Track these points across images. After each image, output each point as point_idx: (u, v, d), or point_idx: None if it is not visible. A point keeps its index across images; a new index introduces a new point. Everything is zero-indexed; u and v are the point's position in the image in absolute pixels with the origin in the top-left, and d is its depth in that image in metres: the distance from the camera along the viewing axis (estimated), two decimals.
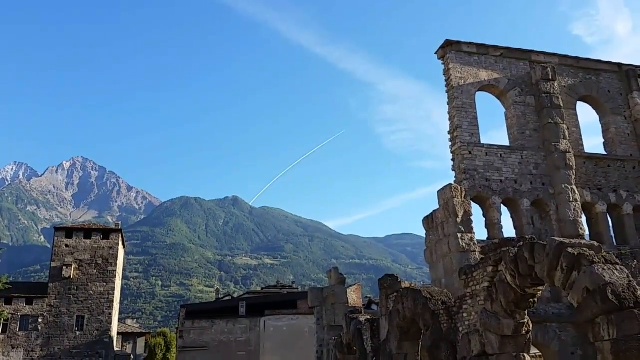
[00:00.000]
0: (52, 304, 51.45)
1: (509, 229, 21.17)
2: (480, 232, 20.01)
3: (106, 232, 56.14)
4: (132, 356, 61.91)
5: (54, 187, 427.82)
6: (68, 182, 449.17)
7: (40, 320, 50.77)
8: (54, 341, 50.50)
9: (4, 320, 49.40)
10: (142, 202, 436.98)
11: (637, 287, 8.52)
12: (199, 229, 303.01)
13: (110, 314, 52.75)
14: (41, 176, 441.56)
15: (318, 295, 25.48)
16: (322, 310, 25.01)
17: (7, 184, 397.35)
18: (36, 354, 49.94)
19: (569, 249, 9.25)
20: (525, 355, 11.31)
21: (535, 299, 11.22)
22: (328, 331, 23.93)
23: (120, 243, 56.39)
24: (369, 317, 20.75)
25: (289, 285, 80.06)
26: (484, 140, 21.55)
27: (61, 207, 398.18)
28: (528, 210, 21.03)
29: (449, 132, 21.72)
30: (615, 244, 21.40)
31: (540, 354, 19.46)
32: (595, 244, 9.75)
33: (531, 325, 11.57)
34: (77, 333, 51.19)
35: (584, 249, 9.31)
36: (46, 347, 50.24)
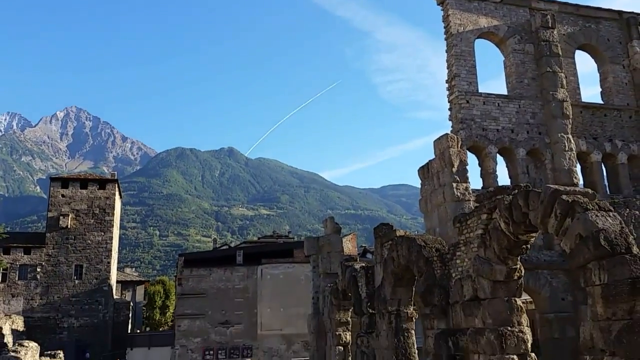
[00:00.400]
0: (50, 254, 51.98)
1: (504, 179, 21.30)
2: (475, 181, 20.08)
3: (102, 183, 56.19)
4: (131, 303, 63.07)
5: (48, 137, 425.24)
6: (62, 133, 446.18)
7: (38, 270, 51.41)
8: (53, 290, 51.31)
9: (2, 270, 50.04)
10: (137, 153, 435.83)
11: (629, 234, 8.62)
12: (195, 180, 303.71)
13: (109, 262, 53.39)
14: (35, 126, 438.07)
15: (314, 243, 25.76)
16: (318, 259, 25.35)
17: (0, 134, 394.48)
18: (36, 302, 50.80)
19: (564, 196, 9.30)
20: (517, 299, 11.55)
21: (528, 246, 11.37)
22: (324, 278, 24.32)
23: (117, 193, 56.51)
24: (363, 264, 21.07)
25: (285, 235, 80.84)
26: (481, 89, 21.36)
27: (56, 158, 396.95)
28: (523, 159, 21.06)
29: (447, 81, 21.48)
30: (608, 193, 21.56)
31: (530, 299, 19.92)
32: (590, 191, 9.81)
33: (523, 271, 11.77)
34: (76, 282, 51.95)
35: (578, 196, 9.37)
36: (45, 295, 51.07)
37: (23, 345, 27.63)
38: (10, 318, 38.94)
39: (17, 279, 50.88)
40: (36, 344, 31.05)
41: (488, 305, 11.51)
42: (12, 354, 25.47)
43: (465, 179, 19.05)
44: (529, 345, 11.30)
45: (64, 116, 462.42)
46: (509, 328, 11.16)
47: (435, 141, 19.93)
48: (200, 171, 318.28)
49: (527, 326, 11.49)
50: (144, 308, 70.34)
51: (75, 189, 54.36)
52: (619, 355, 7.89)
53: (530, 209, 10.04)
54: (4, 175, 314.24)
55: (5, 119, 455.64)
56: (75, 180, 56.33)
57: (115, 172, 71.38)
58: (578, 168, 21.44)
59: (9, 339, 31.92)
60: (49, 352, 36.39)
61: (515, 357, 10.99)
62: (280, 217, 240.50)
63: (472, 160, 20.92)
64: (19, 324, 43.38)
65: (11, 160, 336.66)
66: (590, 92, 25.71)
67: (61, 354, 37.78)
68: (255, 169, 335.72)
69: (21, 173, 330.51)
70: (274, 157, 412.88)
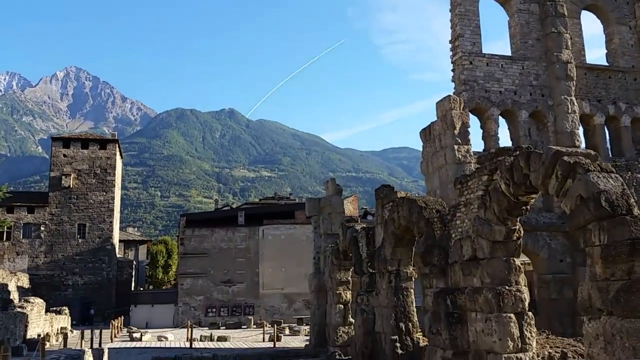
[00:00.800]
0: (53, 213, 52.42)
1: (505, 141, 21.21)
2: (476, 144, 20.05)
3: (103, 143, 56.24)
4: (134, 262, 63.90)
5: (48, 97, 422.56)
6: (62, 93, 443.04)
7: (42, 228, 51.92)
8: (57, 248, 51.96)
9: (7, 228, 50.55)
10: (137, 114, 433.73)
11: (630, 195, 8.65)
12: (196, 141, 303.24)
13: (111, 222, 53.86)
14: (35, 86, 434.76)
15: (315, 205, 25.87)
16: (319, 220, 25.50)
17: (1, 94, 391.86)
18: (40, 260, 51.52)
19: (565, 157, 9.30)
20: (515, 259, 11.68)
21: (528, 207, 11.44)
22: (325, 239, 24.53)
23: (118, 153, 56.60)
24: (364, 225, 21.23)
25: (286, 197, 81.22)
26: (485, 50, 21.09)
27: (57, 118, 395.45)
28: (526, 122, 20.97)
29: (450, 42, 21.20)
30: (610, 156, 21.54)
31: (529, 261, 20.15)
32: (592, 152, 9.80)
33: (522, 232, 11.87)
34: (79, 240, 52.55)
35: (580, 157, 9.37)
36: (50, 253, 51.75)
37: (29, 302, 28.15)
38: (16, 275, 39.52)
39: (21, 237, 51.50)
40: (41, 300, 31.65)
41: (487, 264, 11.65)
42: (18, 309, 25.97)
43: (466, 141, 19.00)
44: (526, 304, 11.49)
45: (63, 76, 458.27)
46: (507, 287, 11.33)
47: (437, 103, 19.79)
48: (200, 132, 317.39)
49: (524, 286, 11.65)
50: (146, 267, 71.30)
51: (76, 149, 54.44)
52: (616, 315, 8.03)
53: (531, 170, 10.05)
54: (5, 135, 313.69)
55: (5, 79, 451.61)
56: (77, 140, 56.35)
57: (116, 133, 71.30)
58: (580, 131, 21.35)
59: (14, 296, 32.47)
60: (54, 308, 37.13)
61: (512, 315, 11.18)
62: (282, 179, 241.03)
63: (474, 122, 20.84)
64: (25, 281, 44.06)
65: (12, 121, 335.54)
66: (595, 54, 25.34)
67: (66, 310, 38.57)
68: (256, 131, 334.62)
69: (22, 133, 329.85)
70: (275, 119, 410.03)
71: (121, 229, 69.28)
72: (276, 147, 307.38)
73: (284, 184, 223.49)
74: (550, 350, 12.26)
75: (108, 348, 21.80)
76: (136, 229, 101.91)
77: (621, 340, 7.81)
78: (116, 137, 59.88)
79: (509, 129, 21.68)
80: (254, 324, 41.92)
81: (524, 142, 20.20)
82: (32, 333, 26.13)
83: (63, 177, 52.87)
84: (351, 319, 20.93)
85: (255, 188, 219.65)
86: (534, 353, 11.21)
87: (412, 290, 16.74)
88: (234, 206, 78.43)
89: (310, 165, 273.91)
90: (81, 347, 18.94)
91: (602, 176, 8.82)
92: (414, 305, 16.74)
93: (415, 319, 16.51)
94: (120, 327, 39.02)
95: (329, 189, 26.35)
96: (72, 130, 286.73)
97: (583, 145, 21.11)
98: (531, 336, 11.30)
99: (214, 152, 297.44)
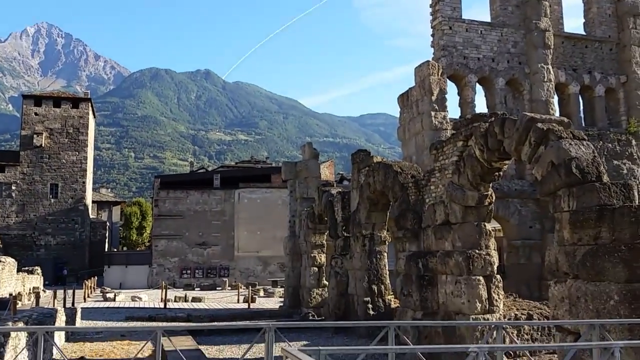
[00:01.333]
0: (25, 172, 51.47)
1: (482, 109, 21.33)
2: (453, 110, 20.15)
3: (75, 101, 55.01)
4: (107, 223, 63.42)
5: (18, 54, 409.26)
6: (34, 49, 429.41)
7: (13, 188, 51.02)
8: (28, 208, 51.21)
9: None
10: (110, 72, 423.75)
11: (601, 163, 8.83)
12: (171, 102, 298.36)
13: (84, 182, 53.15)
14: (4, 42, 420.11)
15: (291, 168, 25.86)
16: (295, 183, 25.54)
17: None
18: (12, 219, 50.76)
19: (539, 124, 9.42)
20: (486, 224, 11.91)
21: (500, 173, 11.62)
22: (300, 203, 24.63)
23: (90, 112, 55.47)
24: (340, 190, 21.36)
25: (262, 160, 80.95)
26: (465, 16, 21.00)
27: (28, 76, 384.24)
28: (502, 89, 21.10)
29: (431, 6, 21.03)
30: (583, 125, 21.87)
31: (499, 227, 20.56)
32: (565, 120, 9.94)
33: (494, 198, 12.08)
34: (52, 200, 51.82)
35: (554, 124, 9.49)
36: (21, 213, 51.00)
37: (0, 261, 27.84)
38: None
39: None
40: (13, 260, 31.33)
41: (458, 229, 11.87)
42: None
43: (443, 108, 19.08)
44: (495, 268, 11.77)
45: (34, 32, 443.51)
46: (477, 251, 11.58)
47: (416, 68, 19.74)
48: (175, 93, 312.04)
49: (494, 250, 11.92)
50: (120, 228, 70.84)
51: (48, 107, 53.18)
52: (581, 278, 8.27)
53: (505, 137, 10.17)
54: None
55: None
56: (48, 98, 55.00)
57: (89, 92, 69.77)
58: (555, 99, 21.59)
59: None
60: (26, 268, 36.81)
61: (481, 278, 11.46)
62: (259, 142, 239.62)
63: (451, 89, 20.89)
64: None
65: None
66: (574, 23, 25.44)
67: (39, 270, 38.29)
68: (232, 93, 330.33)
69: None
70: (252, 81, 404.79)
71: (94, 190, 68.48)
72: (253, 110, 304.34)
73: (261, 147, 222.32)
74: (517, 312, 12.64)
75: (81, 307, 21.79)
76: (109, 190, 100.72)
77: (585, 303, 8.08)
78: (89, 96, 58.60)
79: (485, 96, 21.80)
80: (228, 286, 42.22)
81: (500, 109, 20.34)
82: (3, 292, 25.94)
83: (35, 135, 51.74)
84: (325, 282, 21.23)
85: (231, 151, 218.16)
86: (500, 314, 11.55)
87: (386, 254, 17.01)
88: (210, 169, 77.97)
89: (288, 130, 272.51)
90: (54, 306, 18.91)
91: (574, 143, 8.96)
92: (387, 268, 17.05)
93: (388, 281, 16.83)
94: (94, 288, 38.94)
95: (305, 153, 26.31)
96: (44, 89, 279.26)
97: (557, 113, 21.37)
98: (499, 298, 11.62)
99: (189, 114, 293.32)
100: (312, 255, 22.13)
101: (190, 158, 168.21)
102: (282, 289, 30.56)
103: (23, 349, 8.50)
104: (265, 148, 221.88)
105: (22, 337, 7.95)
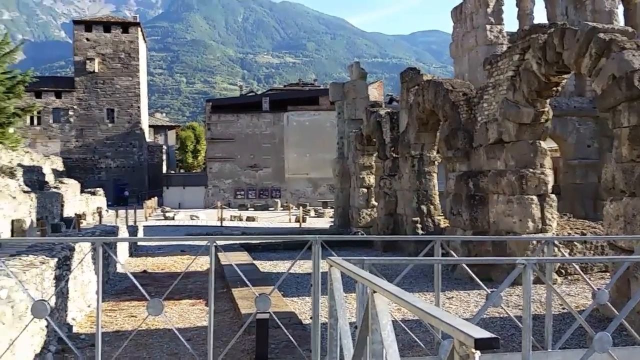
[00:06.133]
0: (81, 97, 52.96)
1: (541, 20, 20.17)
2: (510, 24, 19.14)
3: (125, 26, 55.32)
4: (164, 147, 65.26)
5: None
6: None
7: (71, 113, 52.76)
8: (87, 132, 53.08)
9: (37, 113, 51.45)
10: None
11: None
12: (219, 25, 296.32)
13: (139, 107, 54.35)
14: None
15: (339, 89, 25.52)
16: (343, 105, 25.27)
17: None
18: (72, 144, 52.89)
19: (601, 34, 8.83)
20: (541, 142, 11.53)
21: (559, 89, 11.08)
22: (349, 124, 24.45)
23: (141, 37, 55.79)
24: (388, 110, 21.01)
25: (310, 83, 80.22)
26: None
27: (78, 1, 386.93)
28: None
29: None
30: None
31: (556, 147, 19.92)
32: (630, 29, 9.28)
33: (551, 115, 11.60)
34: (109, 125, 53.47)
35: (617, 34, 8.88)
36: (80, 138, 52.98)
37: (63, 182, 29.30)
38: (49, 159, 40.83)
39: (51, 122, 52.54)
40: (76, 182, 32.91)
41: (512, 147, 11.55)
42: (54, 189, 27.10)
43: (500, 21, 18.17)
44: (550, 187, 11.49)
45: None
46: (531, 170, 11.29)
47: None
48: (223, 16, 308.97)
49: (549, 169, 11.59)
50: (176, 152, 72.89)
51: (99, 32, 53.77)
52: (638, 196, 8.01)
53: (564, 48, 9.61)
54: (27, 20, 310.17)
55: None
56: (98, 23, 55.49)
57: (137, 16, 69.77)
58: (621, 10, 20.13)
59: (50, 178, 33.75)
60: (89, 190, 38.68)
61: (534, 197, 11.25)
62: (306, 65, 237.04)
63: (509, 0, 19.77)
64: (59, 164, 45.56)
65: (33, 4, 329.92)
66: None
67: (101, 191, 40.17)
68: (279, 14, 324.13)
69: (44, 17, 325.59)
70: (299, 1, 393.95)
71: (150, 114, 70.03)
72: (300, 31, 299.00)
73: (309, 70, 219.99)
74: (570, 231, 12.44)
75: (143, 226, 22.92)
76: (164, 114, 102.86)
77: None
78: (138, 21, 58.74)
79: (545, 7, 20.55)
80: (280, 207, 43.28)
81: (561, 21, 19.19)
82: (68, 212, 27.45)
83: (87, 61, 52.74)
84: (374, 202, 21.38)
85: (279, 74, 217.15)
86: (553, 234, 11.40)
87: (435, 174, 16.87)
88: (259, 92, 78.03)
89: (335, 51, 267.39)
90: (116, 224, 19.96)
91: (638, 54, 8.39)
92: (437, 189, 16.95)
93: (437, 202, 16.79)
94: (154, 208, 40.69)
95: (353, 73, 25.83)
96: (93, 14, 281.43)
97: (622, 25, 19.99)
98: (552, 218, 11.43)
99: (237, 37, 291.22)
100: (361, 176, 22.19)
101: (240, 82, 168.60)
102: (332, 209, 31.08)
103: (87, 262, 9.05)
104: (313, 70, 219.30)
105: (87, 250, 8.45)
